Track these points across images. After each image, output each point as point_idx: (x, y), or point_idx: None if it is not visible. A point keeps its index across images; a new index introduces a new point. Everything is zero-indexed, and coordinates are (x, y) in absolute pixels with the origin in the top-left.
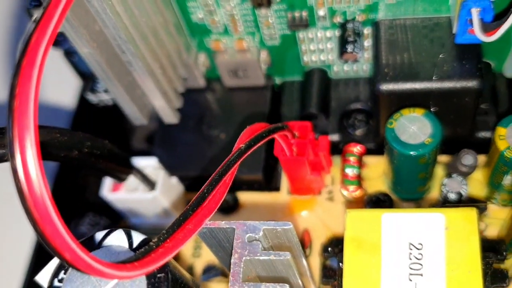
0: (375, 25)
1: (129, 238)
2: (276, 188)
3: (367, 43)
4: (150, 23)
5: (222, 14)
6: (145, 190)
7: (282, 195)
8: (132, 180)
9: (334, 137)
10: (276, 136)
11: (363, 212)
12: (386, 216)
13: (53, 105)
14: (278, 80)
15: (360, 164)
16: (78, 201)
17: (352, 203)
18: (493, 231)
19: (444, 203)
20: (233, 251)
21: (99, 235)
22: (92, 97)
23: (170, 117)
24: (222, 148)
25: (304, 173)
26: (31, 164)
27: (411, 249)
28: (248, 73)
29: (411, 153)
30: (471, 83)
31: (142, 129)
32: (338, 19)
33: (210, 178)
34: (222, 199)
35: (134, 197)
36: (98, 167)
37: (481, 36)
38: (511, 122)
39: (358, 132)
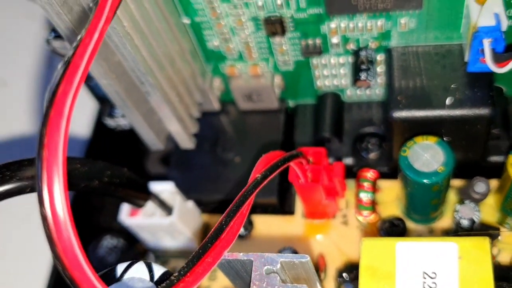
0: (388, 52)
1: (150, 271)
2: (291, 212)
3: (380, 69)
4: (168, 52)
5: (237, 41)
6: (162, 215)
7: (297, 219)
8: (149, 205)
9: (348, 161)
10: (291, 164)
11: (378, 241)
12: (400, 244)
13: (70, 129)
14: (291, 103)
15: (374, 189)
16: (96, 223)
17: (367, 228)
18: (506, 257)
19: (456, 229)
20: (251, 283)
21: (120, 268)
22: (110, 122)
23: (186, 142)
24: (237, 171)
25: (319, 198)
26: (60, 212)
27: (425, 278)
28: (262, 97)
29: (425, 181)
30: (483, 111)
31: (158, 152)
32: (352, 46)
33: (227, 210)
34: (240, 230)
35: (151, 222)
36: (118, 195)
37: (492, 66)
38: None
39: (372, 155)
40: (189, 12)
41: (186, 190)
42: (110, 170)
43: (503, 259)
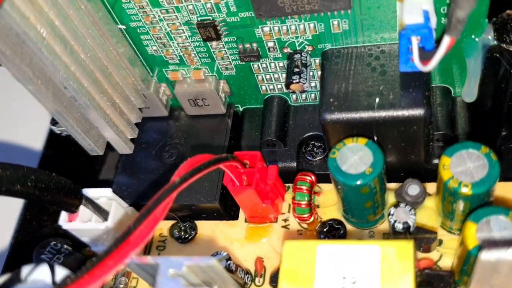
0: (322, 54)
1: (53, 273)
2: (236, 217)
3: (319, 72)
4: (97, 58)
5: (175, 46)
6: (98, 220)
7: (240, 223)
8: (86, 210)
9: (293, 164)
10: (221, 166)
11: (300, 243)
12: (321, 247)
13: (25, 137)
14: (240, 107)
15: (311, 192)
16: (44, 228)
17: (306, 231)
18: (448, 261)
19: (393, 233)
20: (156, 286)
21: (25, 270)
22: (55, 128)
23: (124, 148)
24: None
25: (255, 201)
26: None
27: (344, 283)
28: (208, 102)
29: (352, 183)
30: (417, 112)
31: (111, 157)
32: (289, 50)
33: (138, 213)
34: (150, 235)
35: (87, 227)
36: (45, 199)
37: (419, 65)
38: (455, 151)
39: (316, 159)
40: (124, 18)
41: (132, 195)
42: (35, 174)
43: (445, 263)
